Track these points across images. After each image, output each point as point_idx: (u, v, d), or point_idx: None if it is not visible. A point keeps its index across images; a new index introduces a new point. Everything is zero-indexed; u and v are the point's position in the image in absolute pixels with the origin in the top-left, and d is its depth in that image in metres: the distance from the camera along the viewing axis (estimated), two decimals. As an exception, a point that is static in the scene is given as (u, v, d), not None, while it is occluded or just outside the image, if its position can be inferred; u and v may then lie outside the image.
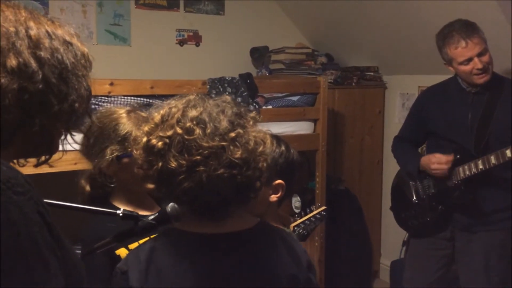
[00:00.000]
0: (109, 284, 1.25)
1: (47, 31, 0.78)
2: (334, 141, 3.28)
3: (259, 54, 3.51)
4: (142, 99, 2.21)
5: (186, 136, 0.91)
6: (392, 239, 3.49)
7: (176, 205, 1.14)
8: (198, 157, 0.90)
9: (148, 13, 3.18)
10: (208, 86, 2.42)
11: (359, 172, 3.51)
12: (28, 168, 0.84)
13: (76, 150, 1.57)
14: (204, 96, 0.99)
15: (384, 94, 3.57)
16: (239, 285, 0.98)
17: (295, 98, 2.77)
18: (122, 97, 2.17)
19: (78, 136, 0.90)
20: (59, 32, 0.80)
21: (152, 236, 1.25)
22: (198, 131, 0.91)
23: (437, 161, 2.15)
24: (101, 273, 1.23)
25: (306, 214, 1.71)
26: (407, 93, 3.42)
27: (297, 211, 3.01)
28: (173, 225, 1.03)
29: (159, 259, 0.95)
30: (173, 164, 0.90)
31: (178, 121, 0.93)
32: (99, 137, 1.31)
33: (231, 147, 0.92)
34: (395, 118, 3.50)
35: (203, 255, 0.97)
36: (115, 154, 1.30)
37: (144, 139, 0.95)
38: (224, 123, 0.93)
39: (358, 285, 3.36)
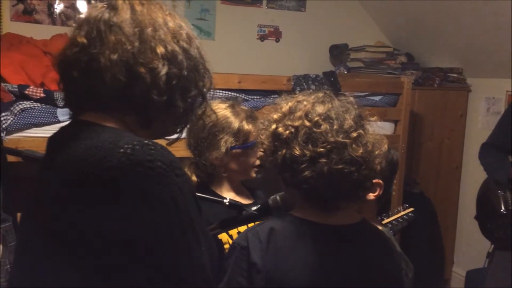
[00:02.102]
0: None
1: (180, 25, 0.87)
2: (412, 142, 3.20)
3: (338, 52, 3.49)
4: (230, 92, 2.28)
5: (314, 129, 0.97)
6: (467, 247, 3.36)
7: (278, 198, 1.19)
8: (322, 149, 0.96)
9: (232, 8, 3.26)
10: (292, 83, 2.45)
11: (435, 176, 3.40)
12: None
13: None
14: (331, 94, 1.06)
15: (468, 97, 3.43)
16: (342, 278, 1.01)
17: (377, 98, 2.74)
18: (212, 90, 2.24)
19: None
20: (185, 27, 0.88)
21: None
22: (325, 125, 0.98)
23: None
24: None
25: (388, 217, 1.70)
26: (493, 97, 3.26)
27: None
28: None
29: (278, 240, 1.01)
30: (297, 152, 0.97)
31: (306, 114, 0.99)
32: (212, 130, 1.39)
33: (353, 145, 0.98)
34: (478, 122, 3.35)
35: (316, 243, 1.02)
36: (229, 145, 1.37)
37: (273, 126, 1.02)
38: (349, 122, 0.99)
39: (427, 291, 3.27)
